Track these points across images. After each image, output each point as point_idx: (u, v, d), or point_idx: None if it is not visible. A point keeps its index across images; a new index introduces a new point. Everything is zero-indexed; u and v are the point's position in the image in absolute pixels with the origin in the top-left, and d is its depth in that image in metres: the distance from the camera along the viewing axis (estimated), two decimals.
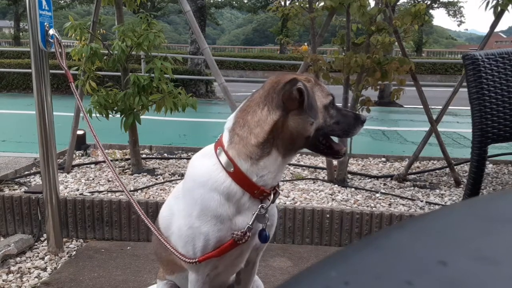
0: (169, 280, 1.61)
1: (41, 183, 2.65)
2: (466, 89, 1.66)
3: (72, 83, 2.29)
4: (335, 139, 1.40)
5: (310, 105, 1.26)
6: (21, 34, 29.49)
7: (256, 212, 1.28)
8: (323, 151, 1.36)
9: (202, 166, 1.34)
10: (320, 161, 4.20)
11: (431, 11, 24.86)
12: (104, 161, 4.02)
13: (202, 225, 1.29)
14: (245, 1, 33.18)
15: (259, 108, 1.27)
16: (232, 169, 1.27)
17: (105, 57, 3.47)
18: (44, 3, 2.33)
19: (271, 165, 1.28)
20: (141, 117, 3.49)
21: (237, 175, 1.27)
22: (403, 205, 3.10)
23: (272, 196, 1.32)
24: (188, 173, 1.39)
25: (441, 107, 3.79)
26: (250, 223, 1.27)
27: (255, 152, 1.26)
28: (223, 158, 1.29)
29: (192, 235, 1.31)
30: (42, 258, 2.53)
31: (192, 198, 1.32)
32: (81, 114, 2.89)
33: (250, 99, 1.32)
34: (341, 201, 3.15)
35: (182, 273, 1.49)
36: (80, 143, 4.25)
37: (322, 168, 3.91)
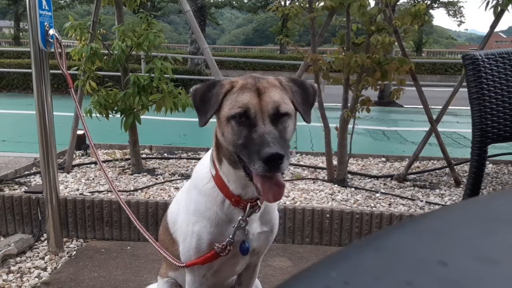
0: (170, 278, 1.62)
1: (41, 183, 2.65)
2: (466, 89, 1.66)
3: (72, 88, 2.28)
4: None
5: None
6: (21, 34, 29.50)
7: (236, 225, 1.26)
8: (248, 176, 1.15)
9: (200, 166, 1.37)
10: (320, 161, 4.20)
11: (431, 11, 24.85)
12: (104, 161, 4.02)
13: (195, 225, 1.31)
14: (245, 1, 33.17)
15: None
16: (214, 172, 1.28)
17: (105, 57, 3.46)
18: (44, 3, 2.33)
19: (230, 174, 1.24)
20: (141, 117, 3.49)
21: (218, 179, 1.27)
22: (403, 205, 3.10)
23: (248, 207, 1.25)
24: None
25: (441, 107, 3.79)
26: (231, 236, 1.26)
27: (217, 156, 1.27)
28: (211, 160, 1.31)
29: (188, 232, 1.33)
30: (42, 258, 2.53)
31: (190, 197, 1.36)
32: (83, 114, 2.89)
33: None
34: (341, 201, 3.15)
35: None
36: (80, 143, 4.24)
37: (322, 168, 3.91)
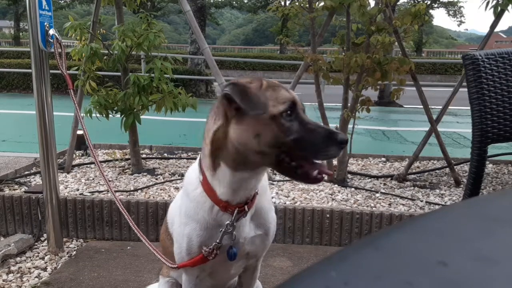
0: (171, 278, 1.63)
1: (41, 183, 2.65)
2: (466, 89, 1.66)
3: (72, 89, 2.28)
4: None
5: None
6: (21, 34, 29.49)
7: (223, 230, 1.25)
8: (292, 175, 1.13)
9: (190, 171, 1.37)
10: None
11: (431, 11, 24.87)
12: (104, 161, 4.02)
13: (186, 226, 1.31)
14: (245, 1, 33.16)
15: (211, 116, 1.21)
16: (201, 178, 1.26)
17: (105, 57, 3.46)
18: (44, 3, 2.33)
19: (225, 179, 1.21)
20: (141, 117, 3.49)
21: (206, 185, 1.25)
22: (403, 205, 3.10)
23: (235, 213, 1.23)
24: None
25: (441, 107, 3.79)
26: (218, 241, 1.25)
27: (209, 162, 1.22)
28: (198, 166, 1.29)
29: (180, 234, 1.34)
30: (42, 258, 2.53)
31: (182, 201, 1.37)
32: (82, 114, 2.89)
33: None
34: (341, 201, 3.15)
35: None
36: (80, 143, 4.24)
37: None
